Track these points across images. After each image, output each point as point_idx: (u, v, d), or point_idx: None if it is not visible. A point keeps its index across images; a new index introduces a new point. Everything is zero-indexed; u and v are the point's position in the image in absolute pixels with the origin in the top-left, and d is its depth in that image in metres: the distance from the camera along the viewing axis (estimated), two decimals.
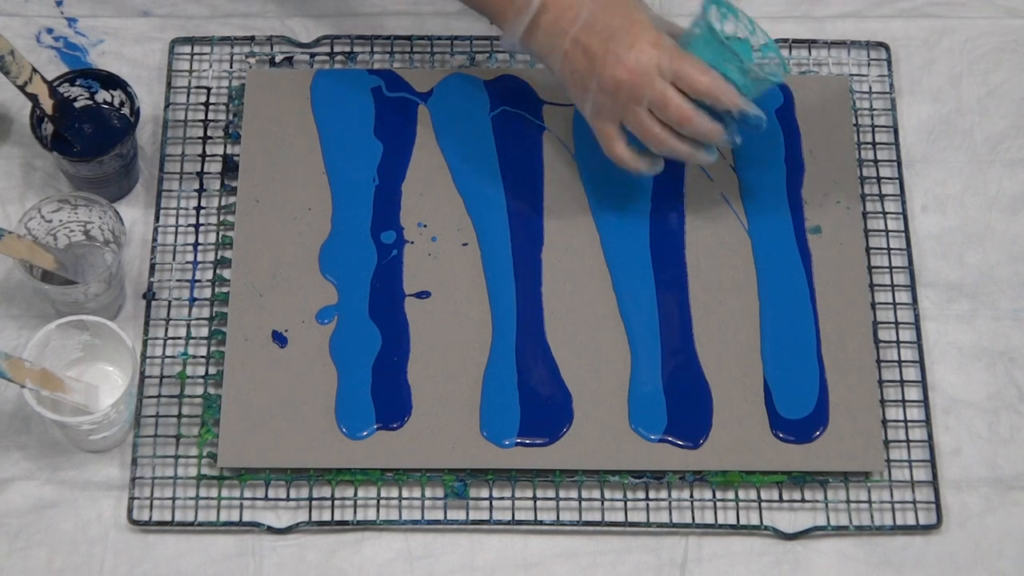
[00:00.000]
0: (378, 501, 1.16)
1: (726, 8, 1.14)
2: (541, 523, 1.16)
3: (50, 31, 1.30)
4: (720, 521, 1.16)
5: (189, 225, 1.23)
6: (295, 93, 1.27)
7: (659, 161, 1.17)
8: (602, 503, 1.16)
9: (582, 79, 1.13)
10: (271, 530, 1.15)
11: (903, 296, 1.23)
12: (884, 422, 1.18)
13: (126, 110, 1.22)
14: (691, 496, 1.16)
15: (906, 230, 1.25)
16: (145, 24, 1.30)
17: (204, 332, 1.20)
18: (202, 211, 1.24)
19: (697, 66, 1.11)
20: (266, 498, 1.16)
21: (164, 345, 1.20)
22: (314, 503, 1.16)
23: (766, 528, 1.16)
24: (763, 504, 1.16)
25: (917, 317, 1.22)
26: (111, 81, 1.21)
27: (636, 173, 1.17)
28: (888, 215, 1.25)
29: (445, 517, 1.16)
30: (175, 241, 1.23)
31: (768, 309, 1.21)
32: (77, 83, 1.21)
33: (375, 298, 1.20)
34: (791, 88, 1.27)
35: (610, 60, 1.11)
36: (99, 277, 1.16)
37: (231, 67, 1.29)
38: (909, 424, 1.19)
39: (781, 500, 1.17)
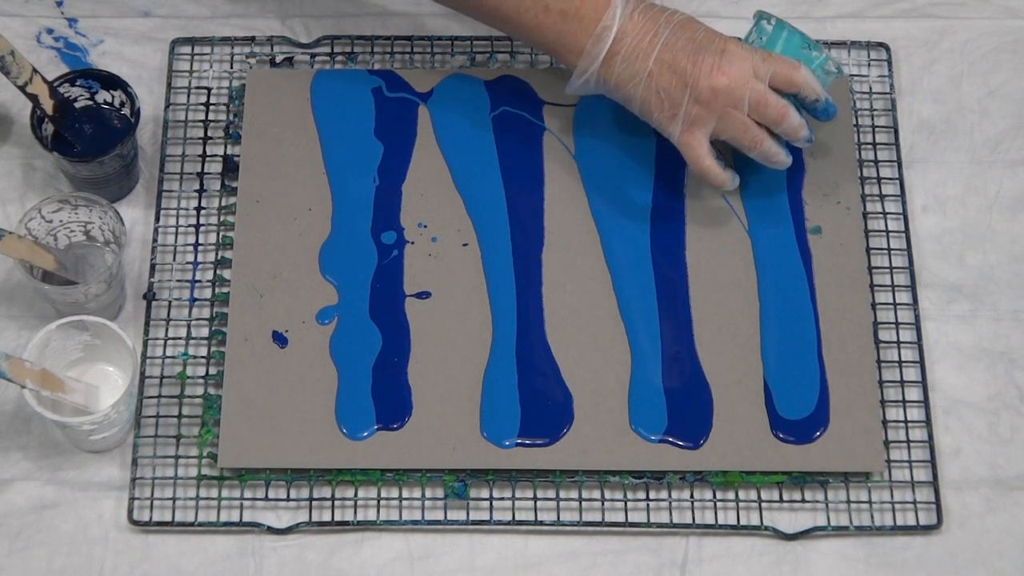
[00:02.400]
0: (378, 501, 1.16)
1: (767, 16, 1.19)
2: (541, 523, 1.16)
3: (50, 31, 1.30)
4: (720, 521, 1.16)
5: (189, 225, 1.23)
6: (295, 93, 1.27)
7: (738, 177, 1.20)
8: (602, 503, 1.16)
9: (671, 96, 1.15)
10: (271, 530, 1.15)
11: (903, 296, 1.23)
12: (884, 422, 1.18)
13: (126, 110, 1.22)
14: (691, 496, 1.16)
15: (906, 230, 1.25)
16: (145, 24, 1.30)
17: (204, 332, 1.20)
18: (202, 211, 1.24)
19: (786, 61, 1.15)
20: (266, 498, 1.16)
21: (164, 345, 1.20)
22: (314, 503, 1.16)
23: (766, 528, 1.16)
24: (763, 504, 1.16)
25: (917, 317, 1.22)
26: (111, 81, 1.21)
27: (719, 188, 1.19)
28: (888, 215, 1.25)
29: (445, 517, 1.16)
30: (175, 241, 1.23)
31: (768, 309, 1.21)
32: (77, 83, 1.21)
33: (375, 298, 1.20)
34: None
35: (704, 69, 1.14)
36: (99, 277, 1.16)
37: (231, 67, 1.29)
38: (909, 424, 1.19)
39: (781, 500, 1.17)
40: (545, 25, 1.16)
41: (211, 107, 1.28)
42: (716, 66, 1.14)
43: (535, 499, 1.16)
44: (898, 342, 1.21)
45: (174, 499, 1.16)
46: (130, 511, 1.15)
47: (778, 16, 1.19)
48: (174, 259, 1.22)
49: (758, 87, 1.15)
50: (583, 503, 1.16)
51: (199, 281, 1.22)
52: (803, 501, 1.17)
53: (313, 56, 1.29)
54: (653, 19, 1.15)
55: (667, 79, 1.15)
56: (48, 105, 1.18)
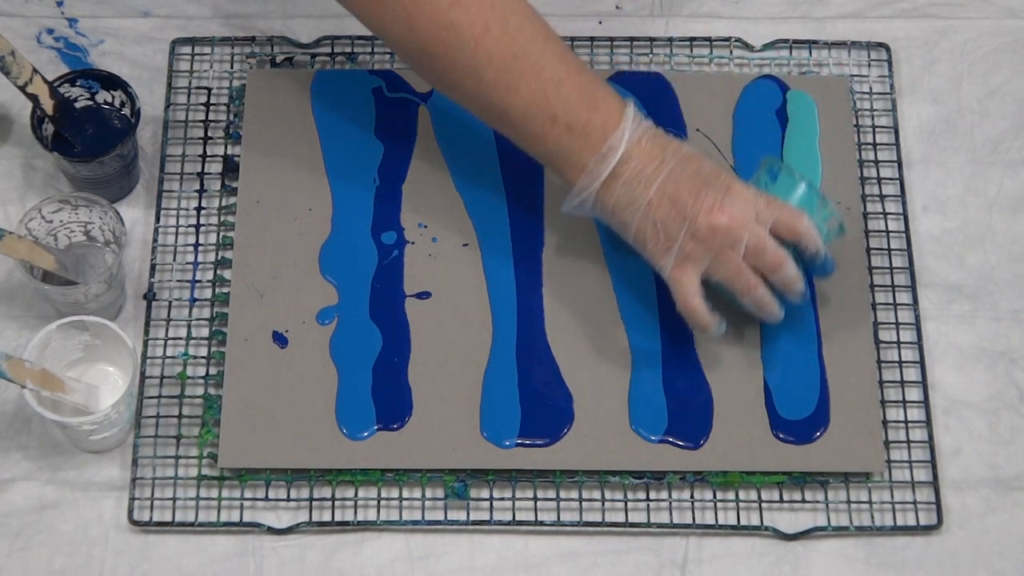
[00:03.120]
0: (378, 501, 1.16)
1: (777, 162, 1.16)
2: (542, 523, 1.16)
3: (51, 31, 1.30)
4: (721, 522, 1.16)
5: (190, 225, 1.23)
6: (296, 94, 1.27)
7: (724, 323, 1.14)
8: (603, 503, 1.16)
9: (668, 229, 1.10)
10: (271, 530, 1.15)
11: (903, 297, 1.23)
12: (884, 423, 1.18)
13: (127, 111, 1.22)
14: (691, 496, 1.16)
15: (907, 231, 1.25)
16: (146, 24, 1.30)
17: (205, 332, 1.20)
18: (203, 211, 1.24)
19: (791, 210, 1.12)
20: (266, 498, 1.16)
21: (165, 346, 1.20)
22: (314, 503, 1.16)
23: (767, 528, 1.16)
24: (764, 504, 1.16)
25: (917, 318, 1.22)
26: (112, 82, 1.21)
27: (702, 331, 1.14)
28: (888, 216, 1.25)
29: (445, 518, 1.16)
30: (175, 241, 1.23)
31: None
32: (78, 83, 1.21)
33: (375, 298, 1.20)
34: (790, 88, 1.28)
35: (705, 205, 1.09)
36: (99, 277, 1.16)
37: (232, 68, 1.29)
38: (909, 425, 1.19)
39: (781, 501, 1.17)
40: (550, 136, 1.10)
41: (211, 107, 1.28)
42: (718, 204, 1.09)
43: (535, 499, 1.16)
44: (898, 342, 1.21)
45: (174, 499, 1.16)
46: (130, 511, 1.15)
47: (783, 164, 1.16)
48: (174, 259, 1.22)
49: (758, 231, 1.10)
50: (583, 503, 1.16)
51: (199, 281, 1.22)
52: (803, 501, 1.17)
53: (313, 56, 1.29)
54: (661, 147, 1.11)
55: (666, 210, 1.10)
56: (48, 105, 1.18)
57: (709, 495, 1.17)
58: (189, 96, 1.28)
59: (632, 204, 1.11)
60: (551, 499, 1.16)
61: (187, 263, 1.22)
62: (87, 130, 1.21)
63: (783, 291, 1.14)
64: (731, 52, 1.30)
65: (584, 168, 1.10)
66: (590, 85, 1.11)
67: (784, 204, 1.12)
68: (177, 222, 1.24)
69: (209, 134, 1.26)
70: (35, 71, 1.17)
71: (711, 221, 1.09)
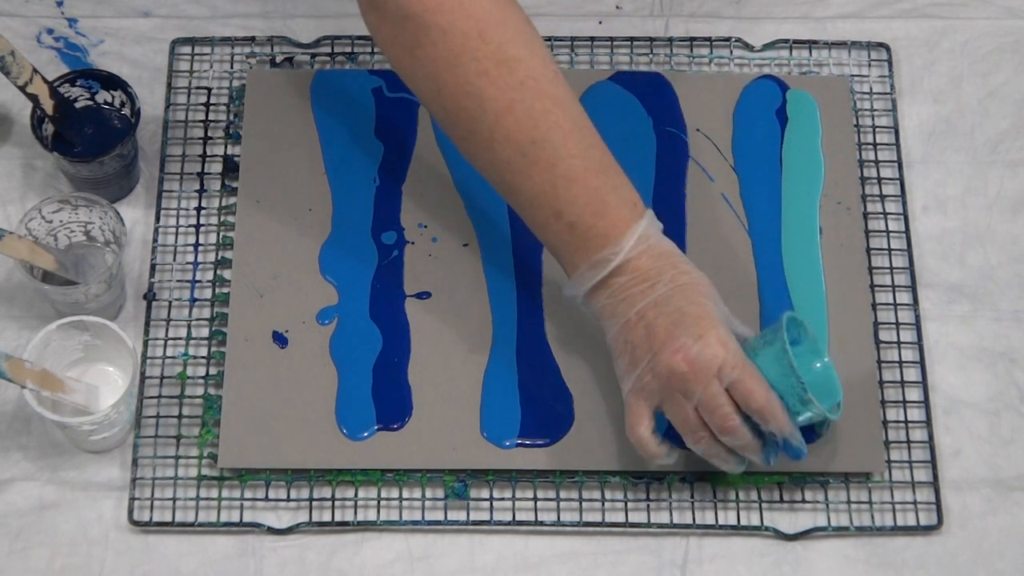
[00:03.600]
0: (378, 502, 1.16)
1: (800, 326, 1.11)
2: (542, 524, 1.16)
3: (50, 31, 1.30)
4: (721, 522, 1.16)
5: (190, 225, 1.23)
6: (295, 93, 1.27)
7: (675, 454, 1.11)
8: (603, 504, 1.16)
9: (635, 353, 1.08)
10: (271, 531, 1.15)
11: (904, 297, 1.23)
12: (885, 423, 1.18)
13: (127, 110, 1.22)
14: (692, 497, 1.16)
15: (907, 231, 1.25)
16: (146, 24, 1.30)
17: (205, 333, 1.20)
18: (203, 211, 1.24)
19: (757, 381, 1.07)
20: (266, 499, 1.16)
21: (164, 346, 1.20)
22: (314, 504, 1.16)
23: (767, 529, 1.16)
24: (764, 504, 1.16)
25: (918, 318, 1.22)
26: (112, 81, 1.21)
27: (650, 459, 1.11)
28: (889, 216, 1.25)
29: (445, 518, 1.16)
30: (175, 241, 1.23)
31: (768, 309, 1.21)
32: (78, 83, 1.21)
33: (376, 298, 1.20)
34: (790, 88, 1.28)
35: (672, 346, 1.06)
36: (99, 278, 1.16)
37: (232, 67, 1.29)
38: (910, 425, 1.19)
39: (782, 500, 1.17)
40: (552, 228, 1.08)
41: (211, 107, 1.28)
42: (684, 348, 1.06)
43: (535, 499, 1.16)
44: (898, 342, 1.21)
45: (174, 499, 1.16)
46: (130, 511, 1.15)
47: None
48: (174, 259, 1.22)
49: (714, 390, 1.06)
50: (583, 503, 1.16)
51: (199, 281, 1.22)
52: (803, 501, 1.17)
53: (313, 56, 1.29)
54: (658, 270, 1.08)
55: (639, 336, 1.08)
56: (48, 105, 1.18)
57: (709, 495, 1.17)
58: (189, 96, 1.28)
59: (613, 316, 1.09)
60: (551, 499, 1.16)
61: (187, 263, 1.22)
62: (87, 130, 1.21)
63: (741, 453, 1.10)
64: (731, 52, 1.30)
65: (577, 269, 1.09)
66: (603, 189, 1.08)
67: (752, 371, 1.07)
68: (177, 222, 1.24)
69: (209, 134, 1.26)
70: (35, 71, 1.17)
71: (671, 363, 1.06)
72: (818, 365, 1.12)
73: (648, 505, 1.16)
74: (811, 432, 1.13)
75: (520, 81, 1.06)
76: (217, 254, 1.22)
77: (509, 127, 1.06)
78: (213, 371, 1.19)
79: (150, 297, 1.21)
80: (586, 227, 1.08)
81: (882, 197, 1.26)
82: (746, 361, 1.07)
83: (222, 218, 1.24)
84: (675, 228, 1.23)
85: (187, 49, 1.29)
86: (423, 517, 1.15)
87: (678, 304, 1.08)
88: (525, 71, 1.06)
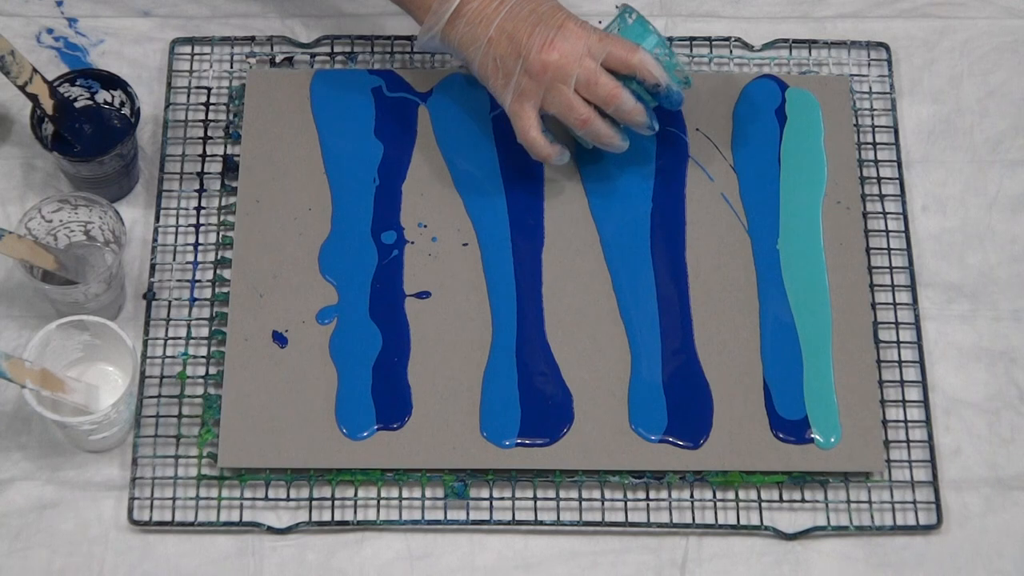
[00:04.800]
0: (378, 501, 1.16)
1: (633, 10, 1.19)
2: (541, 523, 1.16)
3: (50, 31, 1.30)
4: (720, 521, 1.16)
5: (189, 225, 1.23)
6: (295, 93, 1.27)
7: (566, 152, 1.19)
8: (602, 503, 1.16)
9: (505, 65, 1.16)
10: (271, 530, 1.15)
11: (903, 296, 1.23)
12: (884, 422, 1.18)
13: (126, 110, 1.22)
14: (691, 496, 1.16)
15: (906, 230, 1.25)
16: (145, 24, 1.30)
17: (204, 332, 1.20)
18: (202, 211, 1.24)
19: (626, 43, 1.15)
20: (266, 498, 1.16)
21: (164, 345, 1.20)
22: (314, 503, 1.16)
23: (766, 528, 1.16)
24: (763, 504, 1.16)
25: (917, 317, 1.22)
26: (111, 81, 1.21)
27: (543, 160, 1.19)
28: (888, 215, 1.25)
29: (445, 517, 1.16)
30: (175, 241, 1.23)
31: (768, 309, 1.21)
32: (77, 83, 1.21)
33: (375, 298, 1.20)
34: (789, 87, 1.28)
35: (537, 42, 1.14)
36: (99, 277, 1.16)
37: (231, 67, 1.29)
38: (909, 424, 1.19)
39: (781, 500, 1.17)
40: None
41: (211, 107, 1.28)
42: (549, 40, 1.14)
43: (535, 499, 1.16)
44: (898, 342, 1.21)
45: (174, 499, 1.16)
46: (130, 511, 1.15)
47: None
48: (174, 259, 1.22)
49: (589, 65, 1.15)
50: (583, 503, 1.16)
51: (199, 281, 1.22)
52: (803, 501, 1.17)
53: (313, 56, 1.29)
54: None
55: (504, 47, 1.16)
56: (48, 105, 1.18)
57: (709, 495, 1.17)
58: (189, 96, 1.28)
59: (475, 42, 1.16)
60: (551, 499, 1.16)
61: (187, 263, 1.22)
62: (87, 130, 1.21)
63: (627, 124, 1.18)
64: (731, 52, 1.30)
65: (429, 8, 1.17)
66: None
67: (617, 39, 1.16)
68: (177, 222, 1.24)
69: (209, 134, 1.26)
70: (35, 71, 1.17)
71: (542, 57, 1.14)
72: (652, 38, 1.18)
73: (648, 505, 1.16)
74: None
75: None
76: (217, 254, 1.22)
77: None
78: (213, 371, 1.19)
79: (150, 297, 1.21)
80: None
81: (882, 197, 1.26)
82: (608, 33, 1.16)
83: (222, 218, 1.24)
84: (675, 228, 1.23)
85: (187, 49, 1.29)
86: (423, 517, 1.16)
87: (531, 8, 1.16)
88: None
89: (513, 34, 1.15)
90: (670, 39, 1.30)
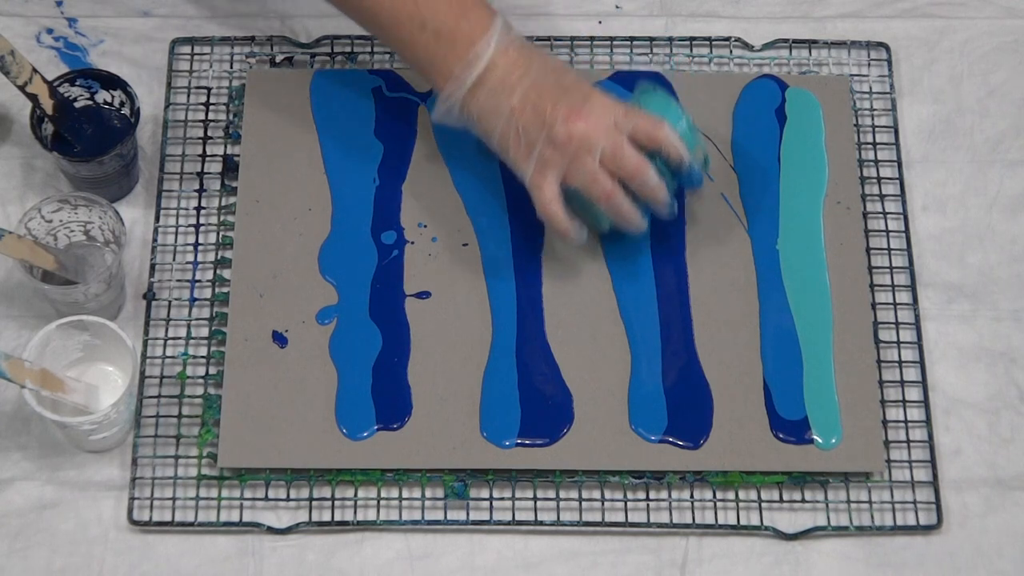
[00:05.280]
0: (378, 501, 1.16)
1: (653, 84, 1.18)
2: (541, 523, 1.16)
3: (50, 31, 1.30)
4: (720, 521, 1.16)
5: (189, 225, 1.23)
6: (295, 93, 1.27)
7: (585, 230, 1.16)
8: (602, 503, 1.16)
9: (528, 135, 1.12)
10: (271, 530, 1.15)
11: (903, 296, 1.23)
12: (884, 422, 1.18)
13: (126, 110, 1.22)
14: (691, 496, 1.16)
15: (906, 230, 1.25)
16: (145, 24, 1.30)
17: (204, 332, 1.20)
18: (202, 211, 1.24)
19: (653, 118, 1.13)
20: (266, 498, 1.16)
21: (164, 345, 1.20)
22: (314, 503, 1.16)
23: (766, 528, 1.16)
24: (763, 504, 1.16)
25: (917, 317, 1.22)
26: (111, 81, 1.21)
27: (561, 236, 1.15)
28: (888, 215, 1.25)
29: (445, 517, 1.16)
30: (175, 241, 1.23)
31: (768, 309, 1.21)
32: (77, 83, 1.21)
33: (375, 298, 1.20)
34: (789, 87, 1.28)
35: (563, 112, 1.11)
36: (99, 277, 1.16)
37: (231, 67, 1.29)
38: (909, 424, 1.19)
39: (781, 500, 1.17)
40: (419, 43, 1.12)
41: (211, 107, 1.28)
42: (576, 110, 1.11)
43: (535, 499, 1.16)
44: (898, 342, 1.21)
45: (174, 499, 1.16)
46: (130, 511, 1.15)
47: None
48: (174, 259, 1.22)
49: (616, 137, 1.12)
50: (583, 503, 1.16)
51: (199, 281, 1.22)
52: (803, 501, 1.17)
53: (313, 56, 1.29)
54: (527, 57, 1.12)
55: (528, 117, 1.12)
56: (48, 105, 1.18)
57: (709, 495, 1.17)
58: (189, 96, 1.28)
59: (496, 111, 1.12)
60: (551, 499, 1.16)
61: (187, 263, 1.22)
62: (87, 130, 1.21)
63: (647, 201, 1.15)
64: (731, 52, 1.30)
65: (451, 75, 1.12)
66: None
67: (643, 113, 1.13)
68: (177, 222, 1.24)
69: (209, 134, 1.26)
70: (35, 71, 1.17)
71: (568, 127, 1.11)
72: (673, 109, 1.16)
73: (648, 505, 1.16)
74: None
75: None
76: (217, 254, 1.22)
77: None
78: (213, 371, 1.19)
79: (150, 297, 1.21)
80: (451, 31, 1.11)
81: (882, 197, 1.26)
82: (636, 107, 1.14)
83: (222, 218, 1.24)
84: (675, 228, 1.23)
85: (187, 49, 1.29)
86: (423, 517, 1.16)
87: (555, 78, 1.13)
88: None
89: (538, 103, 1.11)
90: (669, 39, 1.30)
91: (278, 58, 1.29)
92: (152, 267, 1.22)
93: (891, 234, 1.25)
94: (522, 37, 1.14)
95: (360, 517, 1.15)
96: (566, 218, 1.14)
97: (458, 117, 1.14)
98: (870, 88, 1.30)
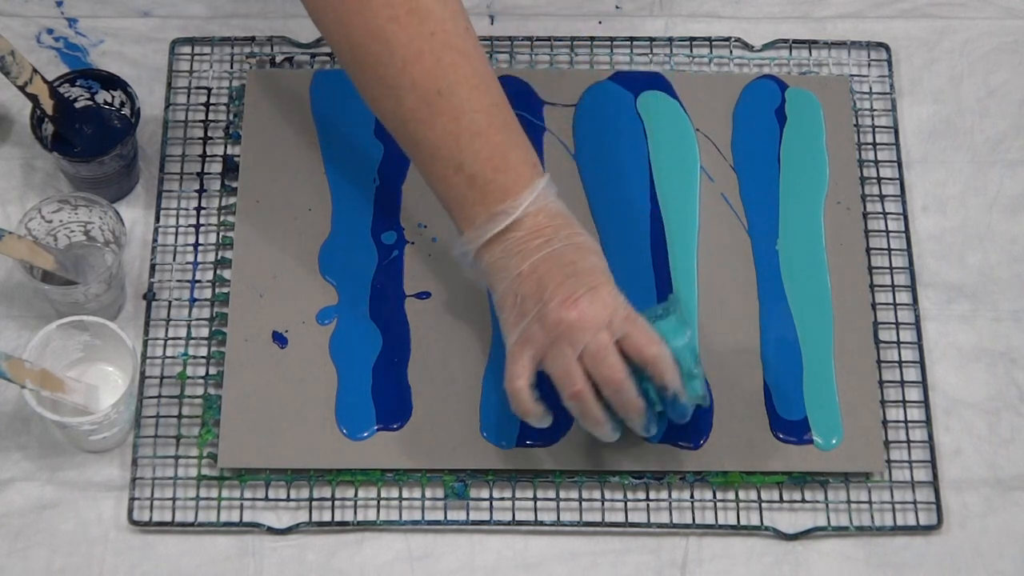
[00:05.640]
0: (378, 501, 1.16)
1: (678, 304, 1.11)
2: (541, 523, 1.16)
3: (50, 31, 1.30)
4: (720, 521, 1.16)
5: (189, 225, 1.23)
6: (295, 93, 1.27)
7: (549, 416, 1.10)
8: (602, 503, 1.16)
9: (524, 305, 1.07)
10: (271, 530, 1.15)
11: (903, 296, 1.23)
12: (884, 422, 1.18)
13: (126, 110, 1.22)
14: (691, 496, 1.16)
15: (906, 230, 1.25)
16: (145, 24, 1.30)
17: (204, 332, 1.20)
18: (202, 211, 1.24)
19: (649, 333, 1.07)
20: (266, 498, 1.16)
21: (164, 345, 1.20)
22: (314, 503, 1.16)
23: (767, 528, 1.16)
24: (764, 504, 1.16)
25: (917, 317, 1.22)
26: (111, 81, 1.21)
27: (522, 416, 1.09)
28: (888, 215, 1.25)
29: (445, 518, 1.16)
30: (175, 241, 1.23)
31: (768, 309, 1.21)
32: (77, 83, 1.21)
33: (375, 298, 1.20)
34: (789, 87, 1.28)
35: (563, 296, 1.06)
36: (99, 277, 1.16)
37: (231, 67, 1.29)
38: (909, 424, 1.19)
39: (781, 501, 1.17)
40: (452, 182, 1.07)
41: (211, 107, 1.28)
42: (575, 298, 1.05)
43: (535, 499, 1.16)
44: (898, 342, 1.21)
45: (174, 499, 1.16)
46: (130, 511, 1.15)
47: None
48: (174, 259, 1.22)
49: (603, 339, 1.06)
50: (583, 503, 1.16)
51: (199, 281, 1.22)
52: (803, 501, 1.17)
53: (313, 56, 1.29)
54: (554, 228, 1.07)
55: (530, 288, 1.06)
56: (48, 105, 1.18)
57: (709, 495, 1.17)
58: (189, 96, 1.28)
59: (505, 271, 1.08)
60: (551, 499, 1.16)
61: (187, 263, 1.22)
62: (87, 130, 1.21)
63: (623, 417, 1.09)
64: (731, 52, 1.30)
65: (473, 224, 1.08)
66: (506, 146, 1.07)
67: (643, 324, 1.07)
68: (177, 222, 1.24)
69: (209, 134, 1.26)
70: (35, 71, 1.17)
71: (560, 312, 1.05)
72: (685, 338, 1.10)
73: (648, 505, 1.16)
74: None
75: (431, 31, 1.06)
76: (217, 254, 1.22)
77: (415, 75, 1.06)
78: (213, 371, 1.19)
79: (150, 297, 1.21)
80: (486, 180, 1.07)
81: (882, 197, 1.26)
82: (638, 315, 1.07)
83: (222, 218, 1.24)
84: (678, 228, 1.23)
85: (187, 49, 1.29)
86: (423, 517, 1.16)
87: (572, 259, 1.07)
88: (436, 22, 1.06)
89: (544, 278, 1.06)
90: (669, 39, 1.30)
91: (278, 58, 1.29)
92: (152, 267, 1.22)
93: (891, 234, 1.25)
94: (560, 204, 1.09)
95: (360, 517, 1.15)
96: (530, 398, 1.08)
97: (471, 265, 1.10)
98: (870, 88, 1.30)
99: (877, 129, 1.28)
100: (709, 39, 1.31)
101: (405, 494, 1.16)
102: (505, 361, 1.09)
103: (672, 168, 1.25)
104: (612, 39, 1.31)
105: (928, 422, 1.19)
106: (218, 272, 1.22)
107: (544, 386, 1.09)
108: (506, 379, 1.09)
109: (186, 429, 1.18)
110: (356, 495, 1.16)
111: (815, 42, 1.30)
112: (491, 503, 1.16)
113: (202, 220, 1.23)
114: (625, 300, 1.08)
